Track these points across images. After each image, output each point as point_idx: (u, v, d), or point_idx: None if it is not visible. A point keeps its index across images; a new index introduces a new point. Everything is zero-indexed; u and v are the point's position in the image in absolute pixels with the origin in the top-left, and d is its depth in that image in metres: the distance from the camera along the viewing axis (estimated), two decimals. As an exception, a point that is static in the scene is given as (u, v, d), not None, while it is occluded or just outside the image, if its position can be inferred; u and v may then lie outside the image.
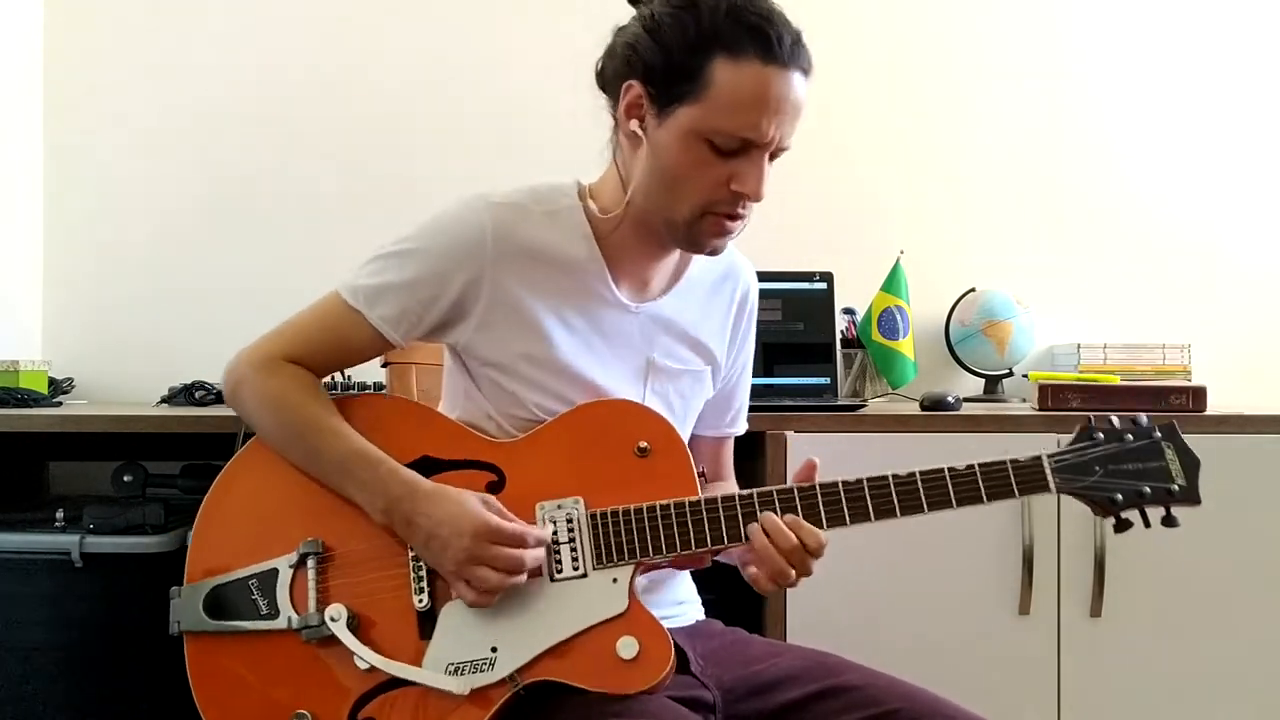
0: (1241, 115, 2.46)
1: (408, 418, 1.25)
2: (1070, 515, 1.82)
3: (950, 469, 1.15)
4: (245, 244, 2.40)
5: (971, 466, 1.15)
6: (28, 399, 2.04)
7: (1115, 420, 1.17)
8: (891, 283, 2.22)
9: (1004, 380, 2.32)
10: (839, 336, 2.24)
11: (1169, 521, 1.14)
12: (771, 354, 2.16)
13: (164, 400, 2.17)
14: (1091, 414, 1.19)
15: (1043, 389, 1.98)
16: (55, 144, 2.41)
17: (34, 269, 2.40)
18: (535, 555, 1.12)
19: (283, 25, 2.42)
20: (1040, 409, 1.97)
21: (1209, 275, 2.44)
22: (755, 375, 2.12)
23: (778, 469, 1.77)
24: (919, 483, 1.14)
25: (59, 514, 1.84)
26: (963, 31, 2.43)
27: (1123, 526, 1.15)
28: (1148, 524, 1.15)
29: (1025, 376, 2.23)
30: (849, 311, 2.30)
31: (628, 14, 1.20)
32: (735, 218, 1.18)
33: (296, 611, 1.16)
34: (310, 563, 1.17)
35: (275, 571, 1.18)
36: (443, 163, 2.40)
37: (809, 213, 2.37)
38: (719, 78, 1.10)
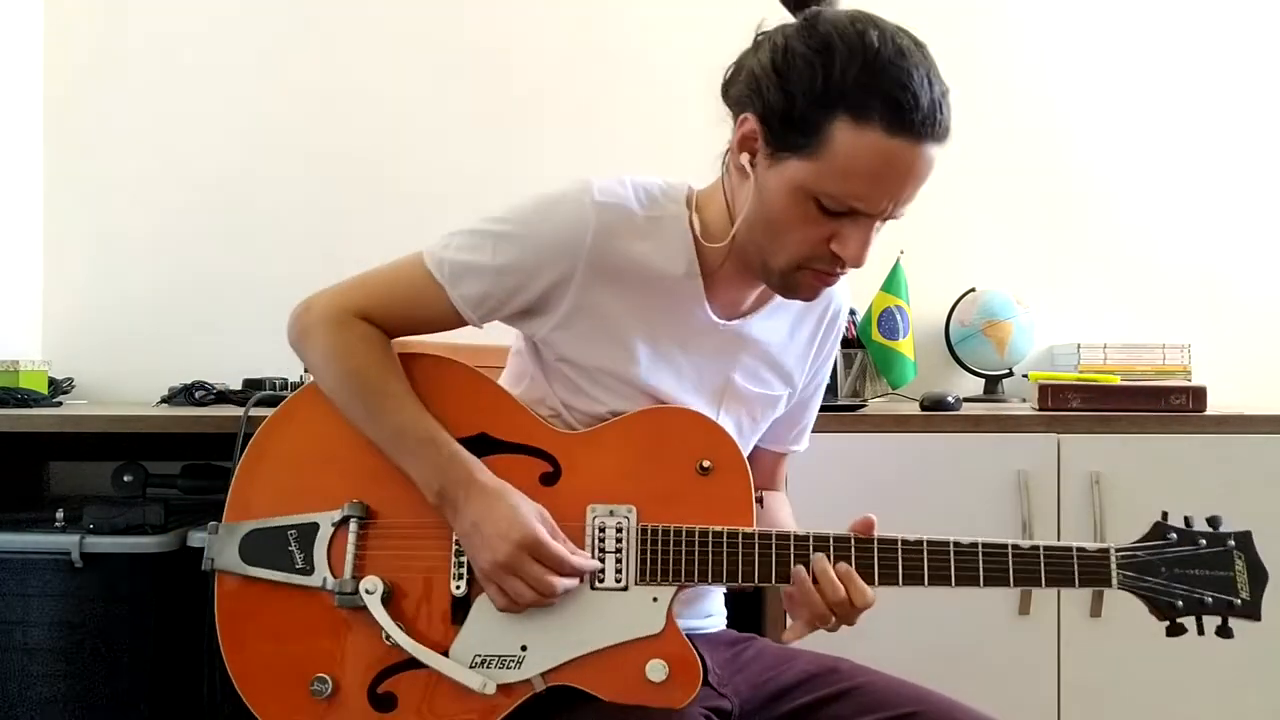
0: (1241, 116, 2.46)
1: (472, 389, 1.21)
2: (1070, 516, 1.82)
3: (1014, 546, 1.11)
4: (245, 244, 2.40)
5: (1036, 547, 1.12)
6: (28, 399, 2.04)
7: (1190, 521, 1.14)
8: (891, 283, 2.22)
9: (1004, 380, 2.32)
10: (839, 336, 2.23)
11: (1224, 632, 1.12)
12: (772, 354, 2.15)
13: (164, 400, 2.17)
14: (1166, 510, 1.16)
15: (1043, 389, 1.98)
16: (55, 144, 2.41)
17: (34, 269, 2.40)
18: (568, 584, 1.10)
19: (283, 24, 2.42)
20: (1040, 409, 1.97)
21: (1209, 275, 2.44)
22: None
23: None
24: (980, 554, 1.11)
25: (59, 514, 1.84)
26: (962, 31, 2.43)
27: (1176, 631, 1.12)
28: (1201, 631, 1.13)
29: (1025, 376, 2.23)
30: (849, 311, 2.29)
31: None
32: (832, 275, 1.12)
33: (333, 573, 1.15)
34: (352, 525, 1.16)
35: (316, 526, 1.17)
36: (447, 163, 2.40)
37: (809, 213, 2.37)
38: (838, 139, 1.02)
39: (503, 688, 1.11)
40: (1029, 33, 2.45)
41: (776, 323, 1.26)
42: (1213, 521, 1.14)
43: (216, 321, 2.35)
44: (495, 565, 1.09)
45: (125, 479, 1.91)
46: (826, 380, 1.38)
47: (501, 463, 1.16)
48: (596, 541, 1.14)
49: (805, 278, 1.12)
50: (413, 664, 1.12)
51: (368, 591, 1.13)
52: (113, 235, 2.41)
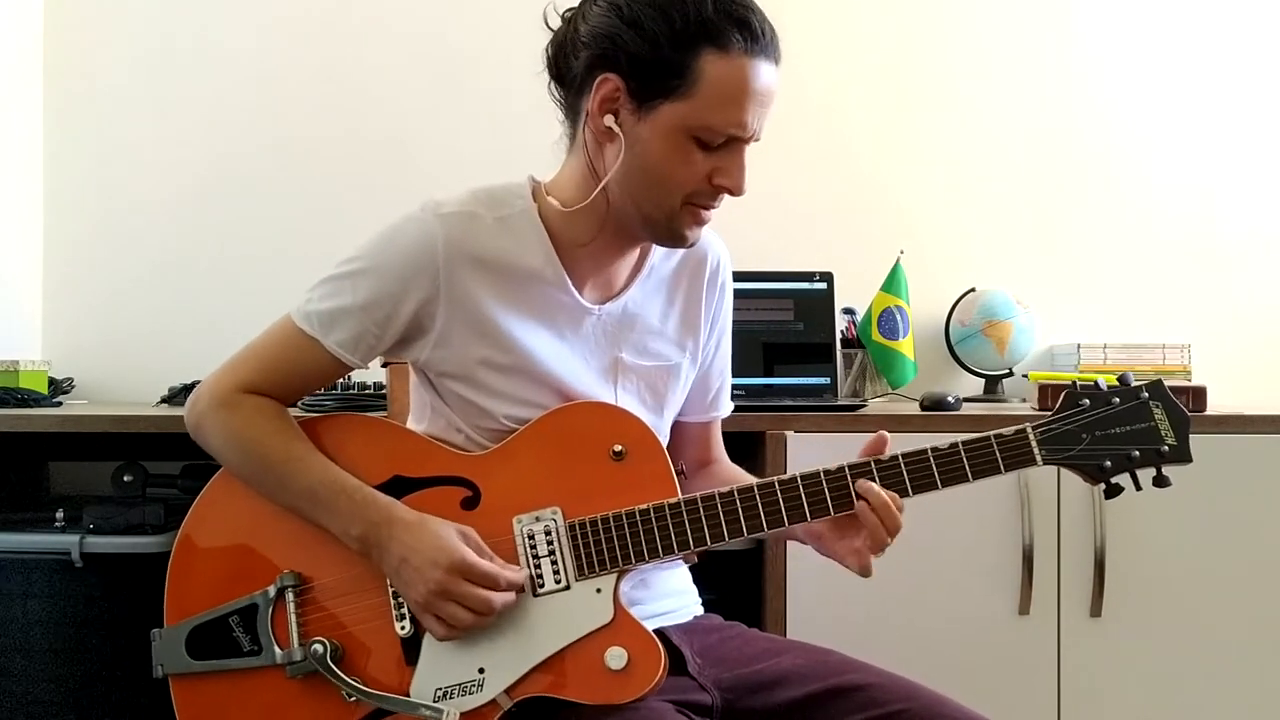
0: (1242, 114, 2.46)
1: (376, 437, 1.22)
2: (1070, 514, 1.82)
3: (934, 448, 1.12)
4: (246, 244, 2.40)
5: (955, 445, 1.12)
6: (28, 399, 2.04)
7: (1102, 384, 1.12)
8: (891, 283, 2.22)
9: (1004, 380, 2.32)
10: (839, 336, 2.24)
11: (1160, 482, 1.11)
12: (771, 354, 2.16)
13: (164, 400, 2.17)
14: (1077, 380, 1.15)
15: (1043, 389, 1.98)
16: (55, 143, 2.41)
17: (34, 269, 2.40)
18: (505, 599, 1.11)
19: (284, 16, 2.42)
20: (1040, 409, 1.97)
21: (1209, 275, 2.44)
22: (755, 375, 2.16)
23: (777, 468, 1.77)
24: (903, 467, 1.12)
25: (59, 514, 1.84)
26: (963, 31, 2.42)
27: (1113, 492, 1.12)
28: (1139, 487, 1.11)
29: (1025, 376, 2.23)
30: (849, 311, 2.30)
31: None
32: (711, 209, 1.16)
33: (280, 646, 1.15)
34: (289, 595, 1.16)
35: (255, 606, 1.17)
36: (450, 155, 2.39)
37: (809, 213, 2.37)
38: (709, 71, 1.08)
39: (470, 715, 1.11)
40: (1029, 32, 2.44)
41: (652, 294, 1.27)
42: (1123, 379, 1.12)
43: (217, 321, 2.35)
44: (429, 594, 1.09)
45: (125, 479, 1.91)
46: (726, 340, 1.37)
47: (420, 499, 1.16)
48: (528, 550, 1.14)
49: (687, 215, 1.15)
50: (380, 715, 1.13)
51: (315, 653, 1.13)
52: (113, 235, 2.40)
